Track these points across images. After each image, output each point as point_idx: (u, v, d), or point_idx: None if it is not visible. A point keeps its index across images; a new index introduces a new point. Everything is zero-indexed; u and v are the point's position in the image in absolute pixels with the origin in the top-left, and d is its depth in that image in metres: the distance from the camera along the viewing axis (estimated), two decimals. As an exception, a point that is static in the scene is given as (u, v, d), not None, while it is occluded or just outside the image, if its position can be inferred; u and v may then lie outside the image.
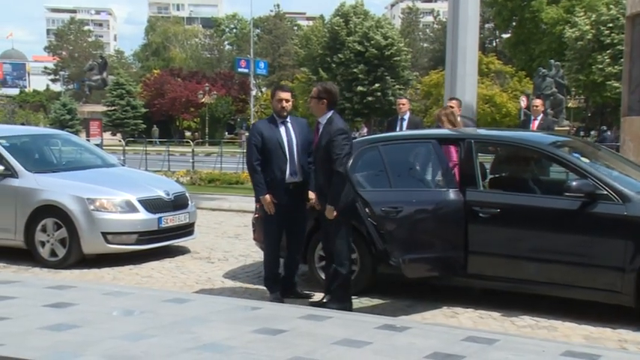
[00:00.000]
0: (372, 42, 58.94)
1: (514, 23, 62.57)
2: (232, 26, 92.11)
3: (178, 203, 9.79)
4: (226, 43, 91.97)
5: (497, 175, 8.39)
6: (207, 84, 63.70)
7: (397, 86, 58.45)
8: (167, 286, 8.07)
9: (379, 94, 56.60)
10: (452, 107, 9.83)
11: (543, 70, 39.27)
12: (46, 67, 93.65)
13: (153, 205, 9.30)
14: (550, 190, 7.74)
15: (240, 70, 57.97)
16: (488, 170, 8.34)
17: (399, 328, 5.97)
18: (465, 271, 7.13)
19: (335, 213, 6.32)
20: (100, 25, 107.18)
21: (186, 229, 9.91)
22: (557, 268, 6.90)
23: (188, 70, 74.83)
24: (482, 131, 10.26)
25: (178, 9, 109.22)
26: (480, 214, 7.12)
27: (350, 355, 5.24)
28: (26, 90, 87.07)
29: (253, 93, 59.18)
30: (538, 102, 13.00)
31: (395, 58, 59.84)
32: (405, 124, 11.35)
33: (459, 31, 10.17)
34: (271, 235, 6.88)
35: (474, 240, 7.13)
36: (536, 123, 12.28)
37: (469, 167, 7.50)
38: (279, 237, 6.87)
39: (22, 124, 54.71)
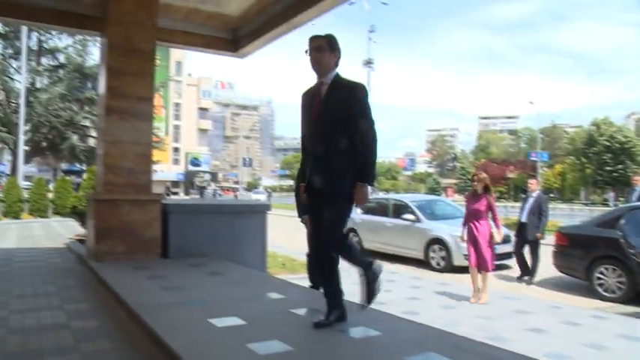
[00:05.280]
0: (614, 140, 58.89)
1: None
2: (526, 134, 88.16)
3: (505, 239, 9.20)
4: (522, 143, 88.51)
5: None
6: (511, 166, 68.72)
7: (634, 167, 55.88)
8: (499, 288, 7.89)
9: (622, 171, 56.19)
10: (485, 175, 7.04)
11: None
12: (426, 160, 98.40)
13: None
14: None
15: (531, 158, 58.77)
16: None
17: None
18: None
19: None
20: (452, 136, 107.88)
21: (509, 254, 9.63)
22: None
23: (501, 159, 75.80)
24: None
25: (496, 125, 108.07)
26: None
27: (629, 346, 4.94)
28: (415, 172, 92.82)
29: (540, 171, 57.96)
30: None
31: (632, 149, 58.78)
32: (636, 193, 10.28)
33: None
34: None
35: None
36: None
37: None
38: None
39: (412, 191, 67.39)
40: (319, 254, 3.23)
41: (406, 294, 7.08)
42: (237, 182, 76.73)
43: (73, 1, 7.28)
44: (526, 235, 9.12)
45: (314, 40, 3.21)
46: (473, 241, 6.81)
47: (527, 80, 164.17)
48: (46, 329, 3.77)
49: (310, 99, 3.25)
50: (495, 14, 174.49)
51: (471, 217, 6.85)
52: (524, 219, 9.23)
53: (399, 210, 11.75)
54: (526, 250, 9.26)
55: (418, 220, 11.00)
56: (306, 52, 3.18)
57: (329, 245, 3.13)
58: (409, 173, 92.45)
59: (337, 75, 3.22)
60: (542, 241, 9.20)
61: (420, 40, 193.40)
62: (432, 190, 69.24)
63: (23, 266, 7.04)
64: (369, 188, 3.16)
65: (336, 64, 3.24)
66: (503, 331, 5.32)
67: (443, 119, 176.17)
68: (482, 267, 6.82)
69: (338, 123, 3.09)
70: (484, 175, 7.01)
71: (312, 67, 3.19)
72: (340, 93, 3.13)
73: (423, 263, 10.55)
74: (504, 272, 9.80)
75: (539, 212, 9.11)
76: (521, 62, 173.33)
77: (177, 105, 66.80)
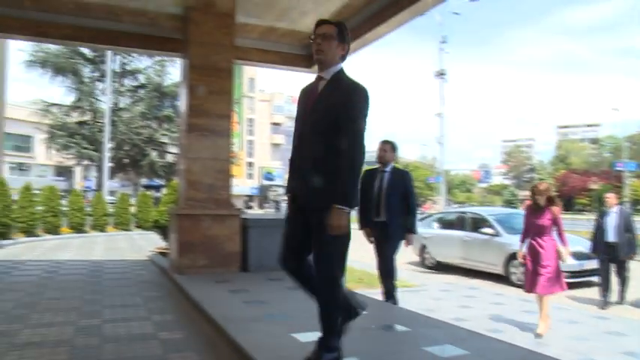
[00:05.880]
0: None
1: None
2: (609, 142, 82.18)
3: (590, 255, 9.24)
4: (605, 152, 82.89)
5: None
6: (594, 177, 65.30)
7: None
8: (587, 308, 7.72)
9: None
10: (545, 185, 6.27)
11: None
12: (502, 172, 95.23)
13: (576, 255, 8.86)
14: None
15: (616, 168, 55.34)
16: None
17: None
18: None
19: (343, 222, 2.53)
20: (528, 146, 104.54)
21: (595, 271, 9.12)
22: None
23: (582, 170, 73.11)
24: None
25: (575, 134, 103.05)
26: None
27: None
28: (490, 184, 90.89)
29: (627, 182, 54.75)
30: None
31: None
32: None
33: None
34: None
35: None
36: None
37: None
38: None
39: (487, 204, 64.94)
40: (318, 276, 2.66)
41: (488, 310, 6.92)
42: (309, 196, 77.97)
43: (156, 25, 7.72)
44: (617, 255, 8.33)
45: (321, 25, 2.73)
46: (534, 260, 5.97)
47: (609, 86, 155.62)
48: (136, 339, 3.95)
49: (306, 96, 2.80)
50: (573, 18, 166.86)
51: (532, 234, 6.05)
52: (612, 238, 8.32)
53: (477, 223, 11.61)
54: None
55: (497, 234, 10.83)
56: (310, 37, 2.75)
57: (331, 267, 2.66)
58: (484, 185, 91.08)
59: (340, 71, 2.73)
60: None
61: (493, 49, 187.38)
62: (509, 203, 67.29)
63: (112, 277, 7.44)
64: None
65: (343, 58, 2.75)
66: (595, 354, 5.05)
67: (518, 129, 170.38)
68: (534, 289, 5.93)
69: (331, 123, 2.59)
70: (545, 185, 6.26)
71: (315, 56, 2.72)
72: (337, 91, 2.64)
73: (503, 278, 10.32)
74: (592, 290, 9.24)
75: (626, 229, 8.30)
76: (602, 67, 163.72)
77: (250, 120, 68.78)
